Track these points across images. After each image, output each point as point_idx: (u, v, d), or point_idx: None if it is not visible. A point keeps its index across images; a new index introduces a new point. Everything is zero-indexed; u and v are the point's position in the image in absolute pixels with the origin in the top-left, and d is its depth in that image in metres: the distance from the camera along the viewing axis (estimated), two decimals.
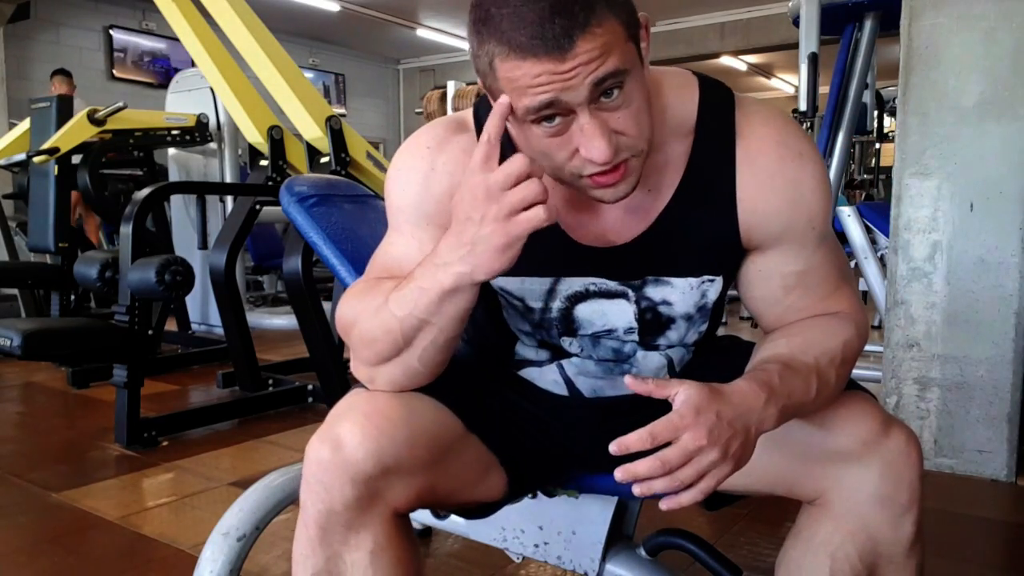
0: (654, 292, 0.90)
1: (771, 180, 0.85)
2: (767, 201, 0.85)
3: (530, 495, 1.10)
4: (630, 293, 0.90)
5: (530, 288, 0.90)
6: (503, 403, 0.99)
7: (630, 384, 0.76)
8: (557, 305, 0.91)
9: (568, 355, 0.97)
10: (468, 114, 0.92)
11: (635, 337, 0.93)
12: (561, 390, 1.00)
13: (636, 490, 0.74)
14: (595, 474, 1.05)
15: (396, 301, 0.79)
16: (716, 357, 1.00)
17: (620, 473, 0.73)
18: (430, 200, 0.88)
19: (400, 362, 0.82)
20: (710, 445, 0.73)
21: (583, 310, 0.91)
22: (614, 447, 0.73)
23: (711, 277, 0.89)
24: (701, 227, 0.86)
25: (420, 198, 0.88)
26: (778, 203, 0.85)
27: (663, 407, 0.95)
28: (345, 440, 0.79)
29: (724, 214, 0.86)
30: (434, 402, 0.87)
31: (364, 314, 0.83)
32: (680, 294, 0.89)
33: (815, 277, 0.89)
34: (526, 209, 0.71)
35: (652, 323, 0.92)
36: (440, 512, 1.23)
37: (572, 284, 0.90)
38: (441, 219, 0.85)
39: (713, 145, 0.86)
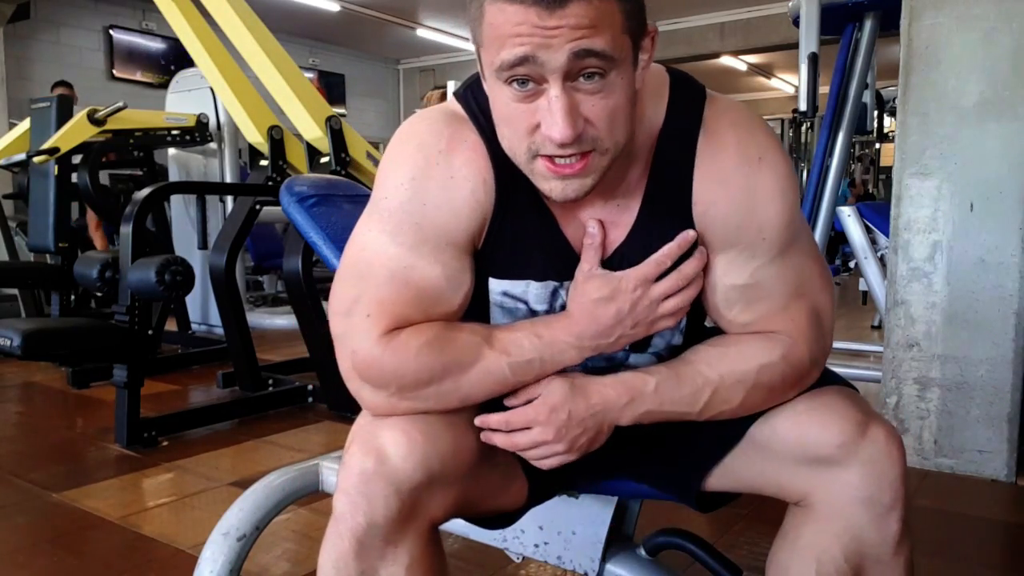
0: None
1: (724, 183, 0.81)
2: (717, 204, 0.82)
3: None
4: None
5: (534, 292, 0.87)
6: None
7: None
8: (560, 305, 0.89)
9: None
10: (455, 106, 0.86)
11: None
12: None
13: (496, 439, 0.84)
14: (599, 475, 1.05)
15: (508, 364, 0.82)
16: None
17: (483, 435, 0.84)
18: (454, 217, 0.81)
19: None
20: (555, 440, 0.82)
21: None
22: (477, 420, 0.83)
23: None
24: (668, 230, 0.83)
25: (447, 216, 0.81)
26: (727, 208, 0.82)
27: None
28: (390, 450, 0.77)
29: (684, 218, 0.83)
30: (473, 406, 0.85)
31: (454, 377, 0.81)
32: None
33: (763, 292, 0.85)
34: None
35: None
36: None
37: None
38: (464, 242, 0.83)
39: (675, 145, 0.82)
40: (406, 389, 0.80)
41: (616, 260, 0.84)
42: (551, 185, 0.75)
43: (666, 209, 0.83)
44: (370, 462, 0.77)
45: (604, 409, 0.83)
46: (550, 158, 0.73)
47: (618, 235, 0.84)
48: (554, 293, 0.87)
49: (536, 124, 0.72)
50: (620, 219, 0.84)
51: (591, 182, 0.75)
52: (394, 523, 0.77)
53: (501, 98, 0.74)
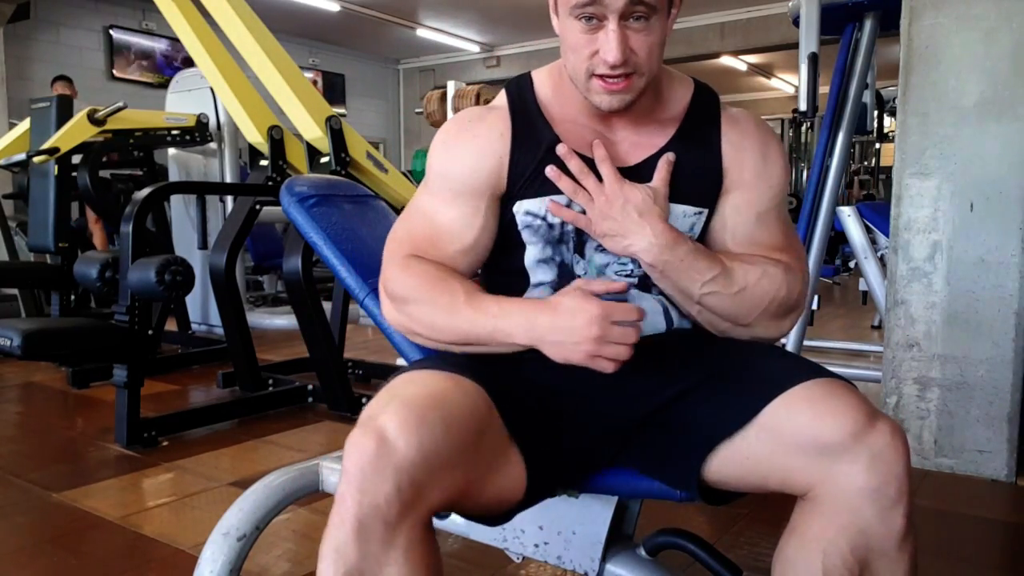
0: None
1: (749, 136, 1.07)
2: (744, 148, 1.06)
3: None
4: None
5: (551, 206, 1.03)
6: (520, 383, 1.00)
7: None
8: (576, 210, 1.02)
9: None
10: (497, 101, 1.09)
11: (633, 265, 1.05)
12: None
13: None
14: (598, 472, 1.05)
15: (469, 318, 0.97)
16: (719, 352, 1.04)
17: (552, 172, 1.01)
18: (474, 167, 1.03)
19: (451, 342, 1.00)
20: (605, 215, 0.99)
21: None
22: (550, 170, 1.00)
23: (700, 209, 1.05)
24: (696, 162, 1.05)
25: (466, 167, 1.04)
26: (752, 153, 1.06)
27: (666, 352, 1.03)
28: (389, 432, 0.80)
29: (713, 155, 1.06)
30: (462, 384, 0.91)
31: (430, 303, 1.00)
32: (675, 221, 1.03)
33: (762, 234, 1.06)
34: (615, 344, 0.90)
35: None
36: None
37: None
38: (481, 187, 1.03)
39: (705, 111, 1.08)
40: (406, 303, 1.02)
41: (649, 165, 1.03)
42: (601, 99, 0.98)
43: (697, 142, 1.05)
44: (371, 444, 0.80)
45: (650, 215, 0.98)
46: (602, 77, 0.96)
47: (652, 146, 1.04)
48: (569, 205, 1.02)
49: (595, 51, 0.95)
50: (658, 134, 1.05)
51: (631, 97, 0.98)
52: (395, 505, 0.79)
53: (571, 30, 0.97)
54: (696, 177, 1.05)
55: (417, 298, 1.00)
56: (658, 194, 1.00)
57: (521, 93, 1.08)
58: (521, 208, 1.04)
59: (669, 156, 1.02)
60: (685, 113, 1.07)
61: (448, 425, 0.83)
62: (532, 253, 1.06)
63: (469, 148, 1.04)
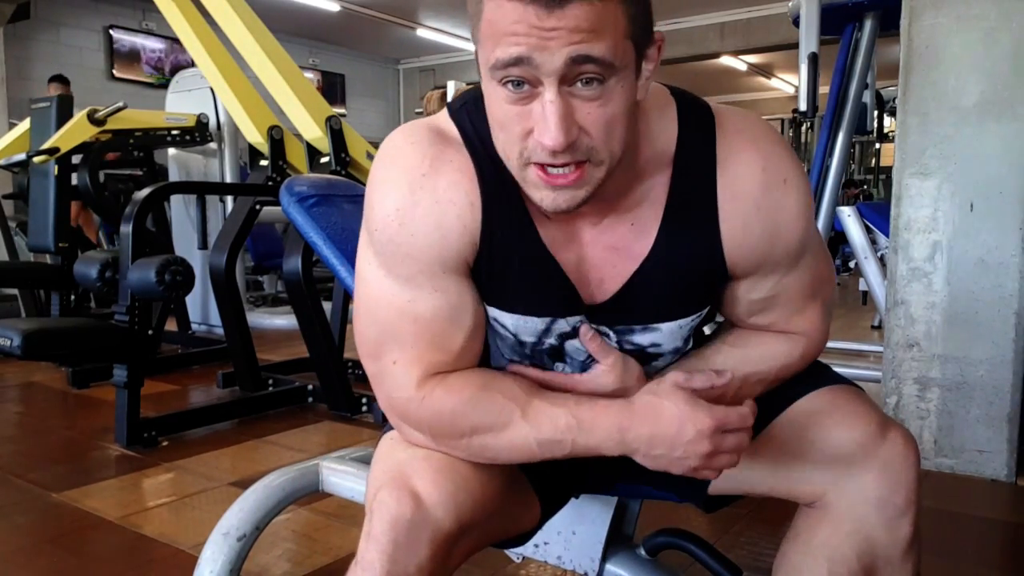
0: (641, 338, 0.86)
1: (756, 211, 0.79)
2: (750, 233, 0.80)
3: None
4: (612, 336, 0.86)
5: (525, 326, 0.85)
6: None
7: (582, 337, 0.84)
8: (550, 341, 0.86)
9: None
10: (443, 121, 0.83)
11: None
12: None
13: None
14: (607, 486, 1.05)
15: (536, 439, 0.79)
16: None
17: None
18: (444, 245, 0.78)
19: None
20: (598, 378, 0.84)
21: (572, 344, 0.87)
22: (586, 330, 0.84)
23: (699, 313, 0.86)
24: (689, 268, 0.81)
25: (434, 246, 0.78)
26: (760, 234, 0.80)
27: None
28: (426, 497, 0.75)
29: (710, 250, 0.80)
30: None
31: (478, 435, 0.80)
32: (667, 335, 0.86)
33: (781, 299, 0.87)
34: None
35: (639, 359, 0.87)
36: None
37: (564, 325, 0.85)
38: (459, 262, 0.80)
39: (694, 175, 0.79)
40: (440, 439, 0.81)
41: (628, 292, 0.82)
42: (542, 195, 0.72)
43: (688, 237, 0.80)
44: (406, 510, 0.74)
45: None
46: (543, 166, 0.70)
47: (632, 257, 0.81)
48: (546, 330, 0.85)
49: (530, 129, 0.69)
50: (636, 242, 0.80)
51: (584, 194, 0.72)
52: (425, 572, 0.75)
53: (495, 99, 0.70)
54: (693, 281, 0.83)
55: (461, 431, 0.80)
56: (617, 368, 0.83)
57: (478, 132, 0.79)
58: (489, 312, 0.85)
59: (586, 333, 0.83)
60: (670, 184, 0.79)
61: (484, 492, 0.80)
62: (495, 353, 0.91)
63: (435, 219, 0.77)
